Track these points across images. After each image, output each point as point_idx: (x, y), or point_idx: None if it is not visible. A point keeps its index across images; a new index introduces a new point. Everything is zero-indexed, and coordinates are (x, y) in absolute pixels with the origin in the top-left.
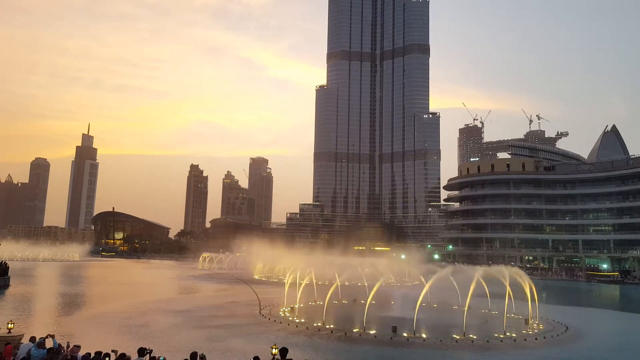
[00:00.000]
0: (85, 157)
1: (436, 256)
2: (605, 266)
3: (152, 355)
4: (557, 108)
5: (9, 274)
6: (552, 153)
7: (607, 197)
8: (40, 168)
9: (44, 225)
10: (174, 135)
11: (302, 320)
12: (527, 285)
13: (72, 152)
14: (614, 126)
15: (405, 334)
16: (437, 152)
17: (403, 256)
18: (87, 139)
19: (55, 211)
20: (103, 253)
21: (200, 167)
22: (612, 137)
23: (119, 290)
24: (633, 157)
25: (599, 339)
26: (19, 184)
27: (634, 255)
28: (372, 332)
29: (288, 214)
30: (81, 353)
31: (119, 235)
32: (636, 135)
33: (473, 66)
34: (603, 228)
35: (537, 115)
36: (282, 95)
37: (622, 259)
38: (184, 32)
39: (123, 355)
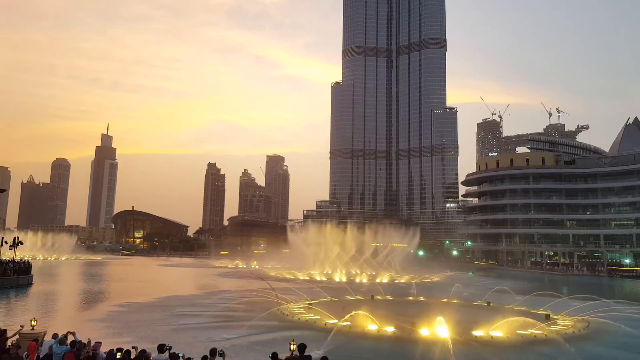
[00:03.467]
0: (105, 156)
1: (455, 252)
2: (627, 261)
3: (171, 351)
4: (577, 101)
5: (32, 272)
6: (572, 147)
7: (629, 190)
8: (60, 168)
9: (65, 224)
10: (191, 134)
11: (320, 316)
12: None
13: (91, 152)
14: (635, 118)
15: (424, 331)
16: (455, 148)
17: (421, 252)
18: (106, 139)
19: (76, 210)
20: (123, 251)
21: (218, 166)
22: (634, 130)
23: (139, 287)
24: None
25: (621, 334)
26: (41, 184)
27: None
28: (391, 328)
29: (305, 211)
30: (102, 349)
31: (138, 234)
32: None
33: (491, 60)
34: (625, 222)
35: (556, 109)
36: (298, 93)
37: None
38: (199, 32)
39: (143, 351)
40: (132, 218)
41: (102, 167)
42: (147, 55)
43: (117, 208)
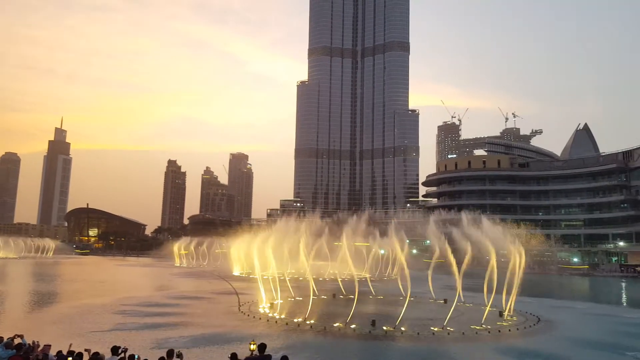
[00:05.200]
0: (58, 151)
1: (414, 251)
2: (576, 260)
3: (127, 353)
4: (533, 106)
5: None
6: (526, 150)
7: (578, 193)
8: (10, 163)
9: (15, 222)
10: (151, 130)
11: (282, 316)
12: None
13: (44, 147)
14: (585, 124)
15: (384, 328)
16: (416, 149)
17: (382, 251)
18: (60, 133)
19: (27, 208)
20: (77, 250)
21: (178, 163)
22: (583, 135)
23: (92, 288)
24: (603, 154)
25: (568, 329)
26: None
27: (602, 248)
28: (352, 326)
29: (268, 210)
30: (52, 352)
31: (93, 232)
32: (607, 133)
33: (451, 64)
34: (574, 223)
35: (512, 113)
36: (264, 91)
37: (591, 252)
38: (163, 24)
39: (96, 354)
40: (87, 216)
41: (55, 163)
42: (107, 47)
43: (71, 205)
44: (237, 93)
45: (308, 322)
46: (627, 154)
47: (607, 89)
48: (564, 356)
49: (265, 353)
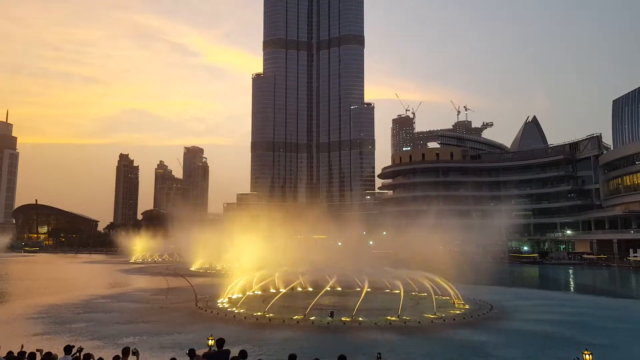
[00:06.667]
0: (4, 146)
1: (371, 242)
2: (526, 248)
3: (82, 352)
4: (483, 99)
5: None
6: (478, 142)
7: (528, 183)
8: None
9: None
10: (101, 123)
11: (241, 310)
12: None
13: None
14: (534, 117)
15: (342, 319)
16: (372, 142)
17: (339, 243)
18: (5, 126)
19: None
20: (26, 248)
21: (131, 157)
22: (532, 128)
23: (42, 286)
24: (551, 146)
25: (520, 315)
26: None
27: (551, 237)
28: (311, 318)
29: (225, 204)
30: (1, 354)
31: (42, 229)
32: (555, 126)
33: (405, 58)
34: (524, 213)
35: (464, 107)
36: (218, 83)
37: (540, 241)
38: (112, 14)
39: (49, 354)
40: (36, 212)
41: (0, 158)
42: (54, 37)
43: (19, 202)
44: (190, 86)
45: (267, 315)
46: (574, 146)
47: (554, 84)
48: (517, 344)
49: (223, 348)
